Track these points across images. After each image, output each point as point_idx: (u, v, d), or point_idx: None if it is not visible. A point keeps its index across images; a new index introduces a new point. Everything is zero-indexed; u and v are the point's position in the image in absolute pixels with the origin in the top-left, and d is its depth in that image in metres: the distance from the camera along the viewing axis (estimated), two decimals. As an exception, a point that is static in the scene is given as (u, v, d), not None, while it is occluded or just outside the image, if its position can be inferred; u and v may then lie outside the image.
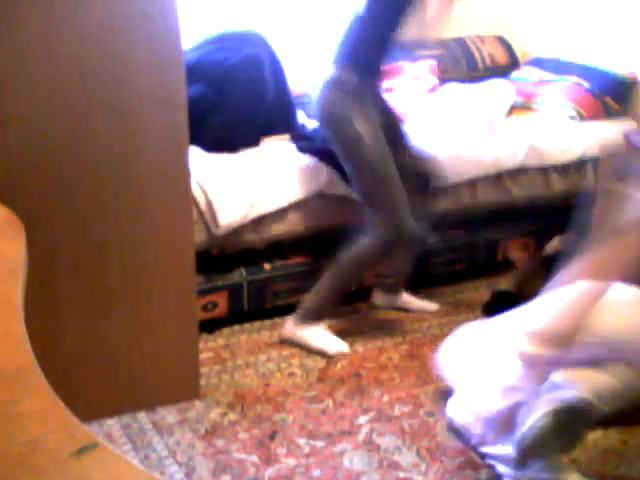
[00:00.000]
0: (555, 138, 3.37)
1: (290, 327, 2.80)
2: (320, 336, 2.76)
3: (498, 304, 2.78)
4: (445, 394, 2.45)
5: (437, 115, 3.48)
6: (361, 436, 2.27)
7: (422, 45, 3.00)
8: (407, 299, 3.08)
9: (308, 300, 2.79)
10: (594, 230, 3.38)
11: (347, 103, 2.59)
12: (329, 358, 2.71)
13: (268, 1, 3.63)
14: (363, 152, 2.60)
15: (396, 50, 2.83)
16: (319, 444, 2.23)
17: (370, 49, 2.65)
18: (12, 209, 1.62)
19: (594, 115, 3.56)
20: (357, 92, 2.61)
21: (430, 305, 3.08)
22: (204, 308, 2.78)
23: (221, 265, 2.86)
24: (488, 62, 4.03)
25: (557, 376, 1.99)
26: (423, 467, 2.14)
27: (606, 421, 2.28)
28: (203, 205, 2.71)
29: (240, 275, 2.87)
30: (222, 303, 2.84)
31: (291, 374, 2.61)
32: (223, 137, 2.94)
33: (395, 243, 2.69)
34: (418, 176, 2.83)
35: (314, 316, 2.77)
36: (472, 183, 3.18)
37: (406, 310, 3.05)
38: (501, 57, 4.09)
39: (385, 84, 3.62)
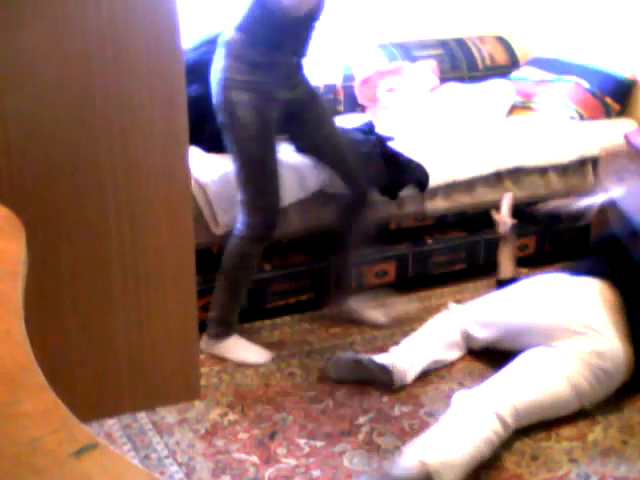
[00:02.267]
0: (555, 138, 3.37)
1: (205, 344, 2.70)
2: (238, 347, 2.67)
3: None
4: (445, 394, 2.46)
5: (437, 115, 3.49)
6: (361, 436, 2.27)
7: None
8: (355, 307, 2.95)
9: (211, 314, 2.69)
10: (594, 230, 3.39)
11: (232, 66, 2.47)
12: (257, 368, 2.62)
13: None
14: (237, 125, 2.49)
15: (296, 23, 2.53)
16: (319, 444, 2.23)
17: (273, 18, 2.45)
18: (12, 209, 1.62)
19: (594, 115, 3.56)
20: (244, 57, 2.48)
21: (380, 317, 2.94)
22: (204, 308, 2.78)
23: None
24: (488, 62, 4.03)
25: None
26: (423, 467, 2.13)
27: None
28: (203, 205, 2.71)
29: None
30: (222, 303, 2.83)
31: (291, 374, 2.61)
32: (223, 137, 2.94)
33: (267, 228, 2.57)
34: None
35: (222, 328, 2.67)
36: (471, 183, 3.18)
37: (356, 320, 2.93)
38: (501, 57, 4.09)
39: (385, 84, 3.62)
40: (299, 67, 2.64)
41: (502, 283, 2.90)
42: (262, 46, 2.50)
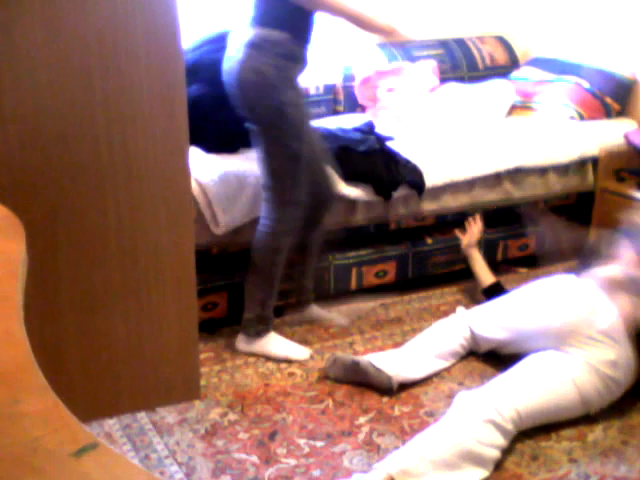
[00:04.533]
0: (555, 138, 3.37)
1: (244, 344, 2.70)
2: (279, 343, 2.69)
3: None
4: (445, 394, 2.46)
5: (437, 115, 3.49)
6: (361, 436, 2.27)
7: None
8: (317, 312, 2.95)
9: (248, 314, 2.69)
10: (594, 230, 3.39)
11: (271, 66, 2.42)
12: (299, 364, 2.64)
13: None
14: (285, 123, 2.46)
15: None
16: (319, 444, 2.23)
17: (291, 9, 2.44)
18: (12, 209, 1.62)
19: (594, 115, 3.56)
20: (283, 53, 2.44)
21: (340, 319, 2.94)
22: (204, 308, 2.78)
23: (221, 265, 2.86)
24: (488, 62, 4.04)
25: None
26: (423, 467, 2.13)
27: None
28: (203, 205, 2.71)
29: (240, 275, 2.87)
30: (222, 303, 2.84)
31: (291, 374, 2.61)
32: (223, 137, 2.94)
33: (297, 221, 2.59)
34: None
35: (262, 326, 2.67)
36: (471, 183, 3.18)
37: (318, 323, 2.93)
38: (501, 57, 4.09)
39: (385, 84, 3.62)
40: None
41: (489, 291, 2.89)
42: (301, 40, 2.50)
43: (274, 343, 2.70)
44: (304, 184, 2.58)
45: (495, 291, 2.85)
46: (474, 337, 2.64)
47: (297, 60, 2.51)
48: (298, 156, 2.53)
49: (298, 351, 2.69)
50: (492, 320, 2.60)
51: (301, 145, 2.52)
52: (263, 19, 2.44)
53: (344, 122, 3.32)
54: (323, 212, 2.80)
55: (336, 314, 2.97)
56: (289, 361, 2.66)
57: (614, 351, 2.28)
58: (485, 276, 3.01)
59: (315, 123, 3.09)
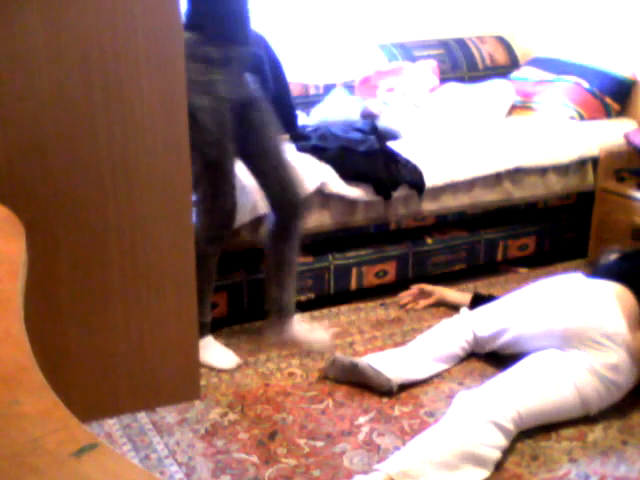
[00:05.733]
0: (555, 138, 3.37)
1: None
2: (209, 349, 2.62)
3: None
4: (445, 394, 2.46)
5: (437, 115, 3.49)
6: (361, 436, 2.27)
7: None
8: (297, 333, 2.77)
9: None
10: (594, 230, 3.39)
11: (190, 67, 2.29)
12: (227, 372, 2.57)
13: (268, 1, 3.63)
14: (196, 129, 2.35)
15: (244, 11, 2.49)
16: (319, 444, 2.23)
17: (210, 6, 2.41)
18: (12, 209, 1.62)
19: (594, 115, 3.56)
20: (198, 56, 2.37)
21: (321, 338, 2.77)
22: (204, 308, 2.78)
23: (221, 265, 2.86)
24: (488, 62, 4.04)
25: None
26: (423, 467, 2.13)
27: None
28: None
29: (240, 275, 2.87)
30: (222, 303, 2.84)
31: (291, 374, 2.61)
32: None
33: (220, 229, 2.54)
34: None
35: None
36: (471, 183, 3.18)
37: (298, 343, 2.76)
38: (501, 57, 4.10)
39: (385, 84, 3.62)
40: (246, 61, 2.57)
41: (473, 305, 2.84)
42: (217, 40, 2.43)
43: (204, 348, 2.58)
44: (228, 194, 2.52)
45: (479, 302, 2.81)
46: (476, 339, 2.62)
47: (215, 63, 2.43)
48: (215, 165, 2.47)
49: (225, 360, 2.62)
50: (495, 322, 2.59)
51: (220, 154, 2.47)
52: (184, 20, 2.36)
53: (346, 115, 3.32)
54: (294, 223, 2.69)
55: (319, 332, 2.81)
56: (213, 369, 2.59)
57: (616, 355, 2.27)
58: (461, 298, 2.98)
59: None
